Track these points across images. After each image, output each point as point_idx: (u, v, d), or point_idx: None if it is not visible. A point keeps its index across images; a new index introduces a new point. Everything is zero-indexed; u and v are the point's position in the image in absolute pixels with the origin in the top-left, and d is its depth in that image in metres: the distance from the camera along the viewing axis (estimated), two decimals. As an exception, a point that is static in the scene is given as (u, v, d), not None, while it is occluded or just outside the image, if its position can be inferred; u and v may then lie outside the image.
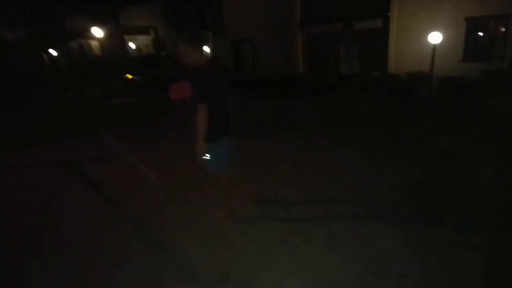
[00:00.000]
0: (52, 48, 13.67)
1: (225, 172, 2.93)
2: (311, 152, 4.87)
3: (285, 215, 3.21)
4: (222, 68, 2.82)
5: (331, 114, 7.01)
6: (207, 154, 2.70)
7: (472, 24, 9.55)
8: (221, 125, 2.76)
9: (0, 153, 6.07)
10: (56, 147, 6.27)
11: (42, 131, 7.76)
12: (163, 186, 4.00)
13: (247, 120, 7.10)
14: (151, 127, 7.37)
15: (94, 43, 15.96)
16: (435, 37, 8.39)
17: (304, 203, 3.40)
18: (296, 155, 4.80)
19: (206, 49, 2.60)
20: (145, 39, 18.98)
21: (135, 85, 13.04)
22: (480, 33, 9.63)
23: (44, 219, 3.49)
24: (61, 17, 15.04)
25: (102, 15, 20.21)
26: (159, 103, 9.85)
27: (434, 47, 8.41)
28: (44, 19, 14.75)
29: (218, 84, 2.66)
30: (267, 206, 3.40)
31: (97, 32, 14.49)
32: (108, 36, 16.01)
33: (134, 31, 18.22)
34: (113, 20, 20.15)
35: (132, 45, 21.17)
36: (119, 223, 3.26)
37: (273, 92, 10.61)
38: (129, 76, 13.04)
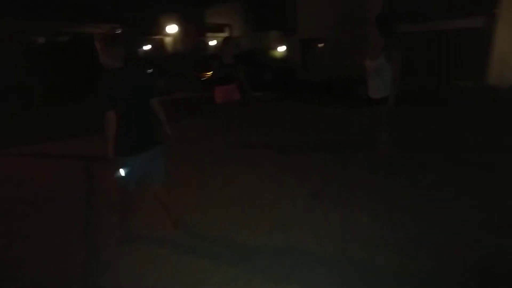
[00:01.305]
0: (132, 43, 14.85)
1: (129, 189, 2.46)
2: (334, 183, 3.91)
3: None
4: (141, 70, 2.49)
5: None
6: (121, 170, 2.31)
7: None
8: (136, 137, 2.34)
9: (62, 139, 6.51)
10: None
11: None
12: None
13: (296, 129, 6.28)
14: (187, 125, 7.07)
15: (168, 39, 16.89)
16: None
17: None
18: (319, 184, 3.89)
19: (120, 49, 2.30)
20: (221, 37, 19.48)
21: (205, 81, 13.29)
22: None
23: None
24: (147, 15, 16.26)
25: (188, 13, 21.47)
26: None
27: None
28: (133, 16, 16.11)
29: (131, 88, 2.30)
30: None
31: (173, 29, 15.24)
32: (184, 33, 16.77)
33: (212, 29, 18.78)
34: (198, 18, 21.20)
35: (213, 42, 22.03)
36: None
37: (340, 96, 9.49)
38: (205, 74, 13.37)
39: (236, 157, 4.61)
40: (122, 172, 2.33)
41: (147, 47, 16.86)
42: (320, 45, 13.27)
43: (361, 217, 2.92)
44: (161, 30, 15.49)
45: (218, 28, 18.52)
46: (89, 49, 11.57)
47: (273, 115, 7.49)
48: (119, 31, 12.44)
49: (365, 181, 3.63)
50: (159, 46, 16.87)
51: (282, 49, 18.10)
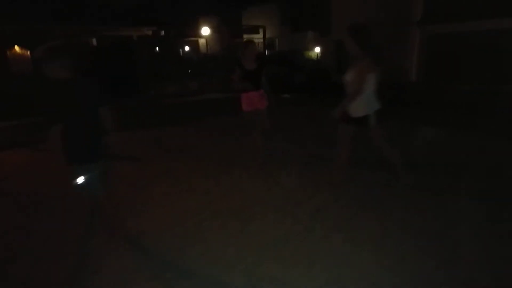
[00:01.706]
0: (170, 45, 15.31)
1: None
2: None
3: None
4: (87, 81, 2.42)
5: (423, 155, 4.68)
6: (79, 178, 2.34)
7: None
8: (82, 147, 2.37)
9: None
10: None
11: (131, 118, 8.52)
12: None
13: (316, 137, 6.04)
14: (202, 128, 7.05)
15: (202, 41, 17.18)
16: None
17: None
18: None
19: (64, 63, 2.28)
20: (256, 39, 19.49)
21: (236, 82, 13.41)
22: None
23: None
24: (185, 17, 16.69)
25: (225, 16, 21.78)
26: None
27: None
28: (171, 19, 16.62)
29: (77, 100, 2.34)
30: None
31: (206, 31, 15.49)
32: (219, 35, 16.97)
33: (246, 31, 18.86)
34: (235, 20, 21.44)
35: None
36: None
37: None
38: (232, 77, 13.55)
39: (246, 163, 4.49)
40: (79, 180, 2.37)
41: (184, 48, 17.31)
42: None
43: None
44: (197, 32, 15.82)
45: (252, 30, 18.56)
46: (128, 50, 12.15)
47: (294, 121, 7.24)
48: (72, 40, 12.53)
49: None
50: (195, 47, 17.26)
51: (317, 50, 17.72)
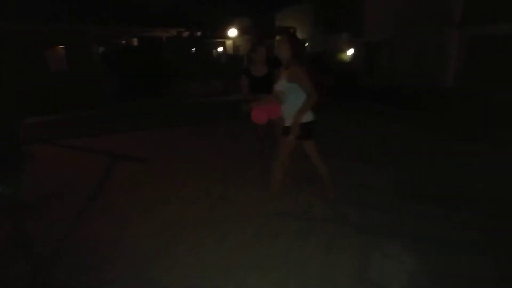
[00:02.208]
0: (198, 45, 15.50)
1: None
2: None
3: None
4: None
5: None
6: None
7: None
8: None
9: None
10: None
11: (152, 117, 8.70)
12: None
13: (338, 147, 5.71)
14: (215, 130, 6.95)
15: (230, 42, 17.19)
16: None
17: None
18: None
19: None
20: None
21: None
22: None
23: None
24: (217, 19, 16.85)
25: (260, 17, 21.72)
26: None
27: None
28: (204, 21, 16.85)
29: None
30: None
31: (233, 32, 15.48)
32: (247, 36, 16.89)
33: (276, 32, 18.64)
34: (268, 21, 21.31)
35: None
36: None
37: (404, 107, 8.41)
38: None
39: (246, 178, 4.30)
40: None
41: (211, 49, 17.46)
42: (384, 48, 12.09)
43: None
44: (225, 34, 15.90)
45: (282, 31, 18.28)
46: (158, 50, 12.42)
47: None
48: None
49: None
50: (222, 49, 17.34)
51: (350, 52, 17.05)
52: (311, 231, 2.85)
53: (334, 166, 3.50)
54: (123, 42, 13.48)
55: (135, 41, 13.30)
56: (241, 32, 18.43)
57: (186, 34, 13.49)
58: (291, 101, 2.87)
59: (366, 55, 13.17)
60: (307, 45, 20.60)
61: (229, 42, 17.29)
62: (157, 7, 13.25)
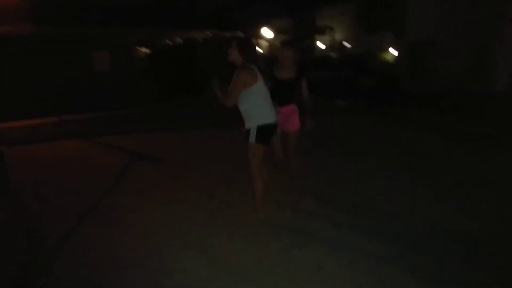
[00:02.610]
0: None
1: None
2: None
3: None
4: None
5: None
6: None
7: None
8: None
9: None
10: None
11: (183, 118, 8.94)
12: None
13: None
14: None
15: (264, 43, 17.08)
16: None
17: None
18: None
19: None
20: (325, 40, 18.66)
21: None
22: None
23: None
24: (255, 19, 16.94)
25: (300, 16, 21.46)
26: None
27: None
28: (243, 22, 17.02)
29: None
30: None
31: (268, 33, 15.35)
32: (282, 36, 16.71)
33: (314, 32, 18.20)
34: (309, 21, 20.97)
35: (321, 45, 21.38)
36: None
37: (446, 113, 7.66)
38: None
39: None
40: None
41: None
42: (429, 48, 11.21)
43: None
44: (260, 34, 15.88)
45: (319, 31, 17.83)
46: (193, 51, 12.73)
47: (333, 137, 6.46)
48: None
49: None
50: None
51: (393, 52, 16.15)
52: (305, 244, 2.68)
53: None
54: (163, 43, 14.02)
55: (173, 43, 13.78)
56: (279, 32, 18.29)
57: (221, 35, 13.68)
58: (243, 105, 2.83)
59: (408, 55, 12.33)
60: (349, 46, 19.90)
61: (265, 43, 17.23)
62: (194, 9, 13.64)
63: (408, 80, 12.11)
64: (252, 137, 2.79)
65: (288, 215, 3.21)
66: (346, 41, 19.14)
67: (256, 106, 2.79)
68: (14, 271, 2.51)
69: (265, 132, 2.81)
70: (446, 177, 4.01)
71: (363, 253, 2.53)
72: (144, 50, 14.01)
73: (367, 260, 2.45)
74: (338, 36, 18.57)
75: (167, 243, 2.79)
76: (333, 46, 17.46)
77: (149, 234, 2.95)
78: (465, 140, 5.64)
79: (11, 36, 9.91)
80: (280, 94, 3.30)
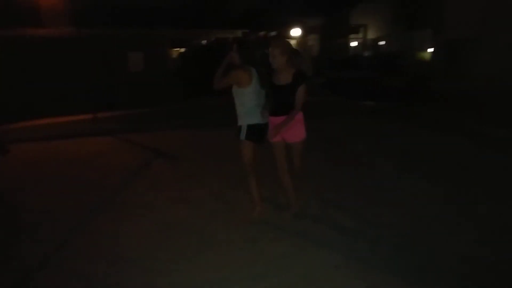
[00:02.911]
0: (263, 46, 15.56)
1: None
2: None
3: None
4: None
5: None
6: None
7: None
8: None
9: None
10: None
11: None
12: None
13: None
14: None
15: (293, 42, 16.80)
16: None
17: None
18: None
19: None
20: (358, 38, 18.06)
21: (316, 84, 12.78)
22: None
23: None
24: (288, 18, 16.77)
25: (334, 15, 20.97)
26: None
27: None
28: (276, 22, 16.93)
29: None
30: None
31: (296, 32, 15.13)
32: (304, 35, 16.36)
33: (347, 30, 17.68)
34: (343, 19, 20.44)
35: (354, 44, 20.75)
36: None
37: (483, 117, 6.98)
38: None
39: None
40: None
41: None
42: (468, 46, 10.45)
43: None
44: (289, 34, 15.70)
45: (353, 29, 17.30)
46: (224, 51, 12.93)
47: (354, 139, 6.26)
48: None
49: None
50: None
51: (429, 51, 15.28)
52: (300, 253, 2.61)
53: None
54: (195, 43, 14.38)
55: (205, 43, 14.09)
56: (310, 31, 17.99)
57: (252, 34, 13.75)
58: (237, 103, 3.00)
59: (446, 54, 11.59)
60: (382, 44, 19.13)
61: (292, 42, 17.03)
62: (227, 9, 13.79)
63: (443, 79, 11.40)
64: (242, 134, 2.95)
65: (291, 219, 3.15)
66: (381, 40, 18.41)
67: (246, 107, 2.93)
68: (15, 262, 2.69)
69: (254, 131, 2.95)
70: (474, 190, 3.67)
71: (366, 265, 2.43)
72: (178, 50, 14.46)
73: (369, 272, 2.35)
74: (372, 34, 17.92)
75: (166, 243, 2.85)
76: (366, 44, 16.88)
77: (151, 232, 3.04)
78: (504, 150, 5.02)
79: (54, 37, 10.67)
80: (276, 101, 2.97)
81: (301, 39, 16.89)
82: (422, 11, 14.46)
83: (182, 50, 14.01)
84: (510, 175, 4.02)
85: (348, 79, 13.14)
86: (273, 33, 16.65)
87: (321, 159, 4.79)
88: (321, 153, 5.02)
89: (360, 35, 16.35)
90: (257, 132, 2.97)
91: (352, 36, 18.32)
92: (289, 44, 3.02)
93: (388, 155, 4.99)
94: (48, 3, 10.57)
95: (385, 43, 18.53)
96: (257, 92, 2.92)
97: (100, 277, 2.43)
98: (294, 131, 2.95)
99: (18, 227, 3.27)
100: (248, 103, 2.92)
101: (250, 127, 2.94)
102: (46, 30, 10.61)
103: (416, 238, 2.76)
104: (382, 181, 3.98)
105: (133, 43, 12.28)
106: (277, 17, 16.84)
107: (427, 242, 2.71)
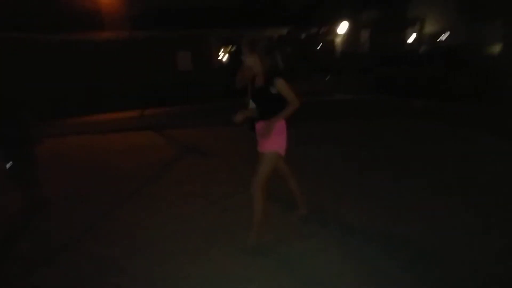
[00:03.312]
0: (311, 43, 15.22)
1: None
2: None
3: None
4: None
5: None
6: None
7: None
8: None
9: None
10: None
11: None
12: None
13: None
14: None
15: (339, 39, 16.08)
16: None
17: None
18: None
19: None
20: (414, 32, 16.71)
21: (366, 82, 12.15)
22: None
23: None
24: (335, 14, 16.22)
25: (390, 8, 19.75)
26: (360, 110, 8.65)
27: None
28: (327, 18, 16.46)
29: None
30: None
31: (343, 27, 14.47)
32: (351, 31, 15.53)
33: (403, 24, 16.47)
34: (400, 12, 19.16)
35: (411, 39, 19.29)
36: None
37: None
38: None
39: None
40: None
41: (328, 45, 16.88)
42: None
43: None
44: (335, 31, 15.13)
45: (410, 22, 16.06)
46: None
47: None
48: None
49: None
50: (331, 46, 16.59)
51: (498, 45, 13.58)
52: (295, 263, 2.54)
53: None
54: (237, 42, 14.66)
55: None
56: (363, 27, 17.15)
57: (297, 32, 13.58)
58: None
59: (515, 48, 10.23)
60: (443, 38, 17.50)
61: (338, 39, 16.39)
62: (279, 6, 13.71)
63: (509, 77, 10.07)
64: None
65: (299, 222, 3.07)
66: (441, 33, 16.85)
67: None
68: (42, 242, 3.03)
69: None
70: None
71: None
72: (227, 48, 14.89)
73: None
74: (431, 27, 16.52)
75: (174, 235, 2.98)
76: (423, 39, 15.63)
77: (164, 224, 3.18)
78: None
79: (113, 40, 11.69)
80: (256, 106, 2.74)
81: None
82: (490, 0, 12.93)
83: (233, 48, 14.36)
84: None
85: (403, 77, 12.31)
86: (323, 30, 16.18)
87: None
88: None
89: (416, 28, 15.13)
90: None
91: (409, 30, 17.10)
92: (261, 42, 2.61)
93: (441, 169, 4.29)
94: (108, 9, 11.58)
95: (447, 36, 16.93)
96: None
97: (111, 260, 2.65)
98: (268, 139, 2.58)
99: (50, 210, 3.65)
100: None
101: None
102: (106, 34, 11.67)
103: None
104: (424, 200, 3.67)
105: (182, 43, 12.95)
106: (329, 13, 16.34)
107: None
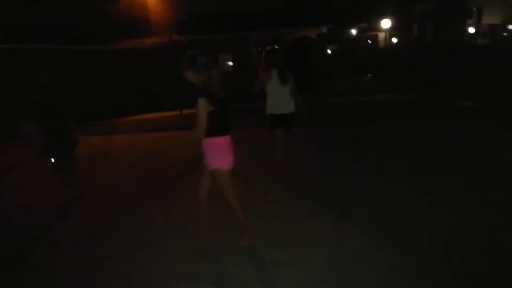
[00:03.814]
0: (349, 41, 14.63)
1: None
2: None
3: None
4: None
5: None
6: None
7: None
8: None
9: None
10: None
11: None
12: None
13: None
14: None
15: (382, 35, 15.12)
16: None
17: None
18: None
19: None
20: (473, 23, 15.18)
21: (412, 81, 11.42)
22: None
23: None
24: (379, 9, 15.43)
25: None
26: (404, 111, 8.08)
27: None
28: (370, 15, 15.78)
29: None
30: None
31: (386, 23, 13.64)
32: (400, 26, 14.53)
33: (460, 14, 15.06)
34: (458, 2, 17.65)
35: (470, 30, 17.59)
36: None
37: None
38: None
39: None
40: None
41: (368, 43, 16.14)
42: None
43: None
44: (379, 26, 14.34)
45: (467, 13, 14.67)
46: (308, 47, 13.01)
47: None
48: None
49: None
50: (372, 42, 15.76)
51: None
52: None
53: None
54: (282, 42, 14.67)
55: (290, 41, 14.24)
56: (416, 20, 16.10)
57: (338, 29, 13.22)
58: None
59: None
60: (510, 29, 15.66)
61: (381, 35, 15.53)
62: (328, 5, 13.50)
63: None
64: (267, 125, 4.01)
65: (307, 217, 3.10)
66: (506, 24, 15.11)
67: (269, 101, 3.97)
68: (71, 231, 3.45)
69: (275, 119, 3.96)
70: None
71: None
72: (266, 49, 15.01)
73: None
74: (492, 18, 14.94)
75: (182, 232, 3.20)
76: (482, 30, 14.22)
77: (175, 222, 3.42)
78: None
79: (158, 46, 12.51)
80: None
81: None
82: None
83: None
84: None
85: (450, 74, 11.39)
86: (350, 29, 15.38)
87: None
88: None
89: (473, 20, 13.80)
90: (277, 120, 3.89)
91: (469, 21, 15.74)
92: (201, 58, 2.52)
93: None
94: (156, 16, 12.41)
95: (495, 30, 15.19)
96: (277, 89, 3.86)
97: (125, 249, 2.96)
98: (207, 156, 2.61)
99: (84, 203, 4.10)
100: (269, 97, 3.91)
101: (271, 116, 3.91)
102: (153, 40, 12.53)
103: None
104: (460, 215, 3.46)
105: (223, 45, 13.37)
106: (374, 8, 15.60)
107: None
